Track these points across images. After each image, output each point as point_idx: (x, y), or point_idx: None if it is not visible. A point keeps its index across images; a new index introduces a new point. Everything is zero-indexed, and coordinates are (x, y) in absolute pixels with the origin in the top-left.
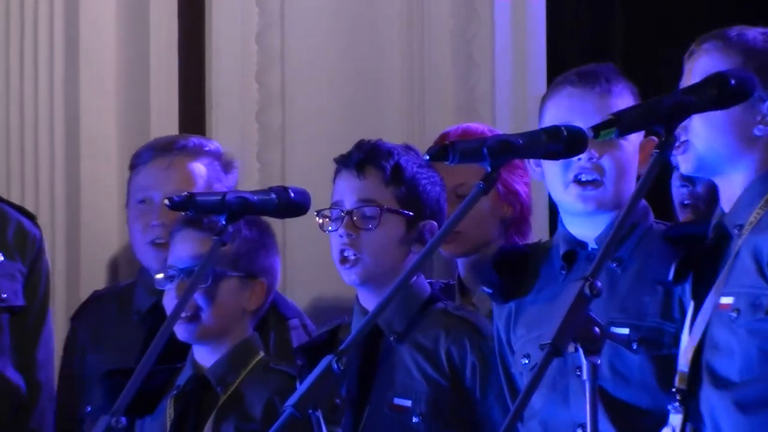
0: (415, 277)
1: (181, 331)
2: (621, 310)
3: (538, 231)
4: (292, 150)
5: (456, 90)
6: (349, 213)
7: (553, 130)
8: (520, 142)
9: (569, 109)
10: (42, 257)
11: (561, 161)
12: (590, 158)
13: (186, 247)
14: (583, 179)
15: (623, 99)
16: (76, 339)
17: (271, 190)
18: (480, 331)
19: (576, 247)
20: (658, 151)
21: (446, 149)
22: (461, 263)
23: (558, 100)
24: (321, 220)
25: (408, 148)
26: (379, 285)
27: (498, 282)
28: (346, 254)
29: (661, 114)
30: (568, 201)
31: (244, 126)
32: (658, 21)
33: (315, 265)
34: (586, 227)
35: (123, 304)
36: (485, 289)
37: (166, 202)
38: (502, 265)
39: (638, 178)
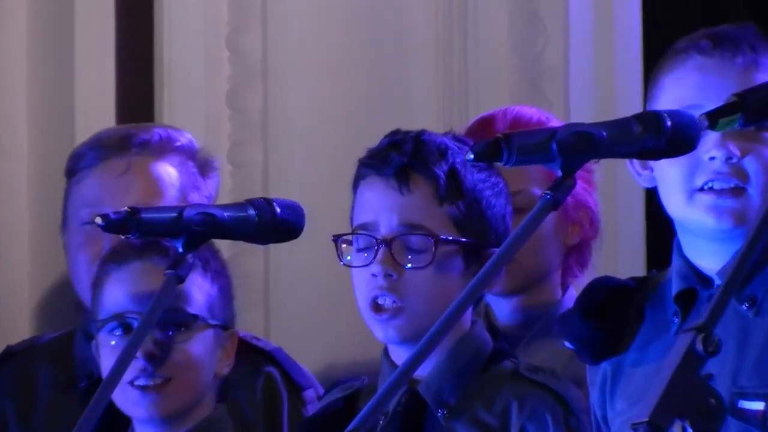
0: (469, 324)
1: (143, 405)
2: (754, 373)
3: (623, 261)
4: (278, 146)
5: (513, 61)
6: (388, 242)
7: (652, 118)
8: (604, 134)
9: (700, 89)
10: None
11: (683, 160)
12: (728, 158)
13: (149, 284)
14: (716, 187)
15: None
16: None
17: (248, 203)
18: (567, 402)
19: (696, 284)
20: None
21: (499, 145)
22: (503, 303)
23: (682, 75)
24: (343, 246)
25: (459, 141)
26: None
27: (588, 333)
28: (381, 302)
29: None
30: (692, 216)
31: (209, 113)
32: None
33: (310, 308)
34: (713, 255)
35: (60, 365)
36: (568, 343)
37: (99, 220)
38: (591, 309)
39: None
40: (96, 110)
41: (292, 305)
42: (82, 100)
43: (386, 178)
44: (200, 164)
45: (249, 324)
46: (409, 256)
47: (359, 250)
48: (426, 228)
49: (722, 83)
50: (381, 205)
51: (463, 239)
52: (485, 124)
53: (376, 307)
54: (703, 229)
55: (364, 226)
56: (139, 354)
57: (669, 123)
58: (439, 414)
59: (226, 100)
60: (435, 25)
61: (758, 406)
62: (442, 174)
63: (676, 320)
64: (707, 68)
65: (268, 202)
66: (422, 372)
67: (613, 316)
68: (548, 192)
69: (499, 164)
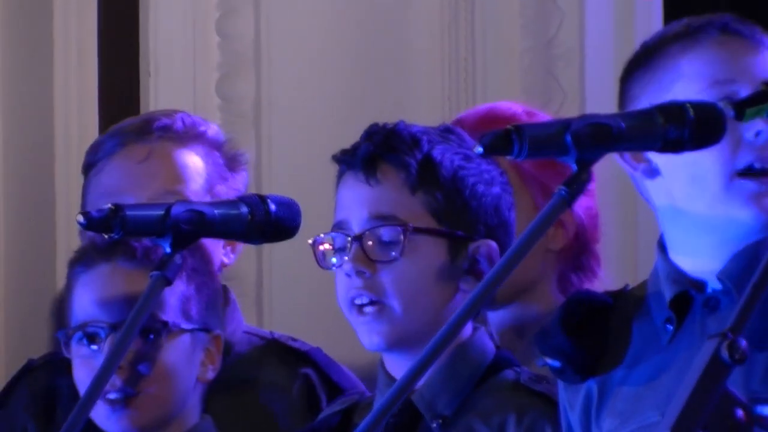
0: (471, 331)
1: (113, 419)
2: (766, 377)
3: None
4: (272, 138)
5: (524, 44)
6: (359, 238)
7: (674, 109)
8: (623, 126)
9: (730, 63)
10: None
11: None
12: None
13: (115, 289)
14: (758, 166)
15: None
16: None
17: (240, 200)
18: None
19: (689, 287)
20: None
21: (509, 137)
22: (492, 316)
23: (704, 53)
24: (322, 248)
25: (447, 132)
26: (416, 347)
27: (570, 350)
28: (359, 301)
29: None
30: (728, 206)
31: (198, 103)
32: None
33: (305, 311)
34: (707, 257)
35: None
36: (550, 362)
37: (80, 218)
38: (573, 325)
39: None
40: (76, 102)
41: (286, 308)
42: (62, 91)
43: (355, 171)
44: (228, 156)
45: None
46: (380, 251)
47: (336, 252)
48: (397, 218)
49: (750, 57)
50: (351, 201)
51: (439, 228)
52: (457, 124)
53: (358, 309)
54: (741, 221)
55: (338, 225)
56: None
57: (692, 114)
58: (434, 426)
59: (215, 88)
60: (439, 5)
61: None
62: (413, 162)
63: (670, 327)
64: (731, 43)
65: (261, 199)
66: (417, 381)
67: (594, 332)
68: (563, 187)
69: (511, 157)
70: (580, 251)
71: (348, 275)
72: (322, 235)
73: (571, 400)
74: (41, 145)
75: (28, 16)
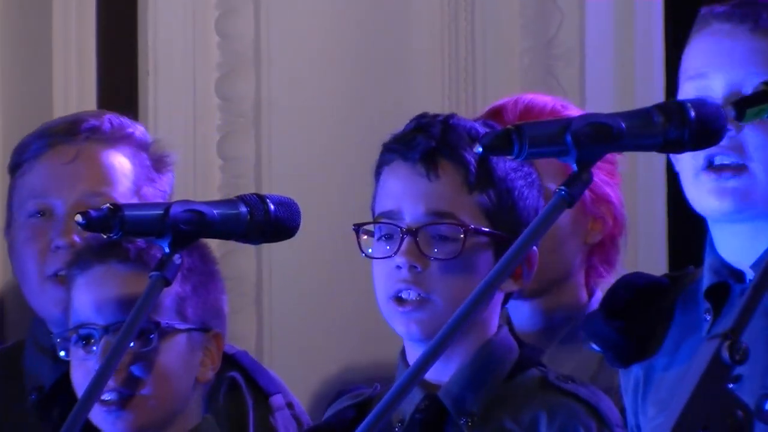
0: (495, 329)
1: (110, 422)
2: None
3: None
4: (272, 138)
5: (524, 43)
6: (413, 232)
7: (675, 108)
8: (623, 125)
9: (714, 55)
10: None
11: None
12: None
13: (109, 291)
14: (717, 162)
15: None
16: None
17: (240, 199)
18: (600, 414)
19: (728, 278)
20: None
21: (509, 137)
22: (523, 307)
23: (699, 42)
24: (363, 237)
25: (489, 128)
26: (452, 342)
27: (613, 335)
28: (405, 296)
29: None
30: (698, 199)
31: (197, 103)
32: None
33: (305, 311)
34: (742, 246)
35: (8, 377)
36: (594, 346)
37: (79, 218)
38: (618, 310)
39: None
40: (75, 101)
41: (286, 308)
42: (61, 90)
43: (412, 163)
44: (154, 158)
45: (240, 328)
46: (436, 248)
47: (381, 241)
48: (455, 217)
49: (733, 47)
50: (406, 193)
51: (495, 231)
52: (494, 114)
53: (399, 301)
54: (708, 212)
55: (386, 215)
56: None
57: (693, 114)
58: (462, 422)
59: (215, 88)
60: (439, 5)
61: None
62: (472, 160)
63: (708, 317)
64: (721, 32)
65: (260, 199)
66: (442, 378)
67: (642, 317)
68: (563, 188)
69: (510, 157)
70: (610, 244)
71: (399, 267)
72: (367, 222)
73: (624, 384)
74: None
75: (28, 15)
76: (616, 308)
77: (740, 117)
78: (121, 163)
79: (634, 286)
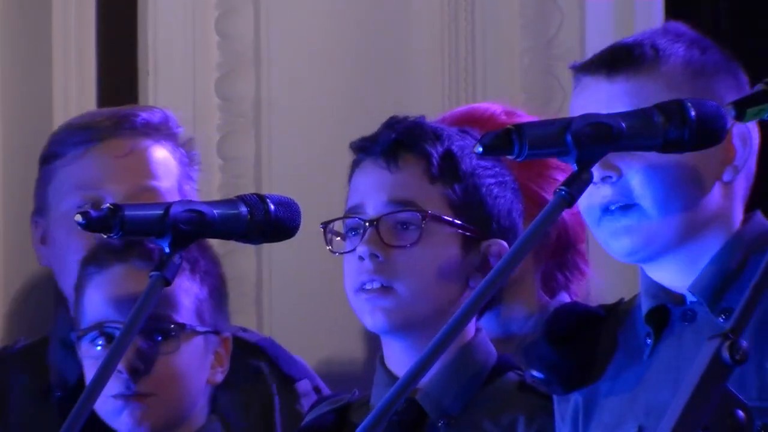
0: (474, 332)
1: (127, 419)
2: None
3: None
4: (272, 138)
5: (524, 44)
6: (375, 222)
7: (675, 108)
8: (623, 125)
9: (583, 110)
10: None
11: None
12: (604, 178)
13: (131, 289)
14: (612, 208)
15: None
16: None
17: (240, 199)
18: None
19: (667, 301)
20: None
21: (509, 137)
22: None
23: (572, 102)
24: (330, 237)
25: (464, 133)
26: (418, 334)
27: (555, 362)
28: (369, 286)
29: None
30: (604, 245)
31: (197, 103)
32: None
33: (305, 311)
34: (674, 270)
35: (33, 373)
36: (535, 373)
37: (79, 217)
38: (560, 337)
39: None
40: (75, 101)
41: (286, 308)
42: (61, 90)
43: (375, 157)
44: (190, 156)
45: None
46: (397, 236)
47: (347, 236)
48: (415, 204)
49: (596, 101)
50: (369, 186)
51: (456, 220)
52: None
53: (364, 291)
54: (618, 258)
55: (352, 209)
56: (121, 367)
57: (693, 113)
58: (440, 424)
59: (215, 88)
60: (439, 5)
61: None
62: (434, 153)
63: (650, 341)
64: (585, 88)
65: (260, 199)
66: (421, 380)
67: (581, 344)
68: (563, 187)
69: (510, 157)
70: (564, 250)
71: (361, 258)
72: (334, 220)
73: (562, 412)
74: (40, 144)
75: (28, 15)
76: (559, 335)
77: (740, 117)
78: (167, 158)
79: (573, 314)
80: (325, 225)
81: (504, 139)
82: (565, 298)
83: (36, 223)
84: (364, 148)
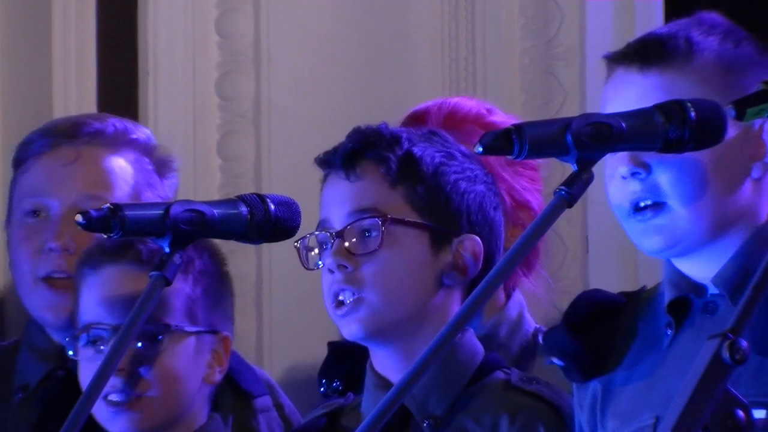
0: (459, 333)
1: (117, 422)
2: (753, 381)
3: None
4: (271, 137)
5: (524, 43)
6: (340, 234)
7: (675, 108)
8: (623, 125)
9: (612, 104)
10: None
11: (615, 182)
12: (633, 173)
13: (121, 291)
14: (641, 205)
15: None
16: None
17: (240, 199)
18: (562, 413)
19: (689, 292)
20: None
21: (509, 137)
22: None
23: (604, 92)
24: (305, 253)
25: (432, 135)
26: (399, 338)
27: (574, 350)
28: (342, 297)
29: None
30: (634, 241)
31: (197, 102)
32: None
33: (306, 312)
34: (703, 263)
35: (0, 374)
36: (555, 360)
37: (79, 217)
38: (579, 324)
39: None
40: (75, 101)
41: (286, 308)
42: (61, 90)
43: (336, 170)
44: (157, 163)
45: (240, 328)
46: (361, 244)
47: (321, 250)
48: (377, 210)
49: (626, 96)
50: (333, 199)
51: (419, 220)
52: (417, 118)
53: (339, 305)
54: (647, 253)
55: (320, 225)
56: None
57: (693, 113)
58: (425, 425)
59: (215, 88)
60: (439, 5)
61: (760, 414)
62: (392, 156)
63: (669, 332)
64: (617, 80)
65: (260, 199)
66: (414, 385)
67: (600, 332)
68: (562, 188)
69: (510, 157)
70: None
71: (330, 270)
72: (305, 236)
73: (580, 399)
74: None
75: (28, 15)
76: (578, 323)
77: (740, 117)
78: (121, 167)
79: (593, 302)
80: (299, 241)
81: (504, 140)
82: (519, 297)
83: (5, 229)
84: (327, 162)
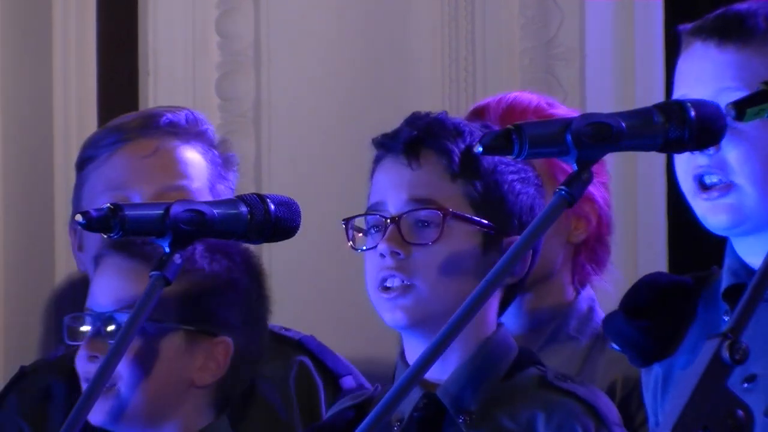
0: (494, 327)
1: (94, 411)
2: None
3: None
4: (272, 138)
5: (524, 43)
6: (395, 219)
7: (675, 108)
8: (623, 125)
9: (687, 76)
10: None
11: (683, 155)
12: (705, 150)
13: (107, 283)
14: (707, 182)
15: None
16: None
17: (240, 199)
18: (598, 413)
19: (747, 279)
20: None
21: (509, 137)
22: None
23: (678, 64)
24: (352, 234)
25: (486, 128)
26: (437, 331)
27: (633, 334)
28: (390, 283)
29: None
30: (701, 218)
31: (197, 103)
32: None
33: (308, 308)
34: (761, 248)
35: (74, 379)
36: (614, 345)
37: (79, 217)
38: (638, 309)
39: None
40: (75, 101)
41: (289, 305)
42: (61, 90)
43: (396, 154)
44: (224, 156)
45: None
46: (417, 234)
47: (369, 233)
48: (436, 202)
49: (701, 68)
50: (390, 183)
51: (476, 217)
52: (478, 113)
53: (385, 290)
54: (712, 230)
55: (373, 207)
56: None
57: (693, 113)
58: (460, 420)
59: (215, 88)
60: (439, 5)
61: None
62: (455, 149)
63: (726, 319)
64: (692, 53)
65: (260, 199)
66: (441, 376)
67: (662, 316)
68: (563, 187)
69: (510, 157)
70: (597, 241)
71: (382, 255)
72: (354, 216)
73: (646, 383)
74: (40, 144)
75: (28, 15)
76: (638, 307)
77: (740, 117)
78: (196, 158)
79: (656, 286)
80: (347, 221)
81: (504, 139)
82: (590, 292)
83: (74, 230)
84: (385, 145)
